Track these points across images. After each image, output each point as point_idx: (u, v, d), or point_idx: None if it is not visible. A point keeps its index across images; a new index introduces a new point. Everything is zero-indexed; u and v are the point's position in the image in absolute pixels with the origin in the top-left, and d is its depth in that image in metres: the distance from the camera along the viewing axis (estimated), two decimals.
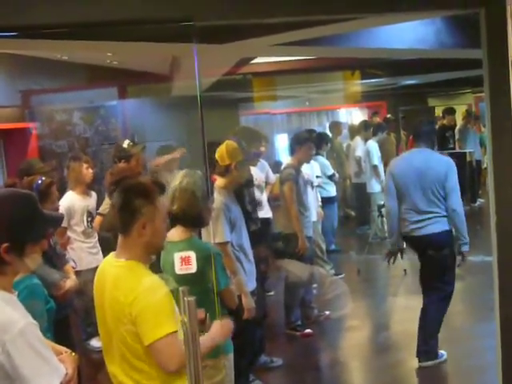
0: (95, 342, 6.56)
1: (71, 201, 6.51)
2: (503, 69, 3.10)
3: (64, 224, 6.43)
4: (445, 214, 5.49)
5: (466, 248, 5.47)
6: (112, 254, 2.95)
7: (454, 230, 5.53)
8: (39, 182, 4.47)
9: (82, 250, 6.54)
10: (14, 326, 2.23)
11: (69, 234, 6.50)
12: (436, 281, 5.60)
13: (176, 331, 2.69)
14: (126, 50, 6.65)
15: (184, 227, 3.71)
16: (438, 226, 5.49)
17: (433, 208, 5.49)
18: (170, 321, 2.71)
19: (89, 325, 6.36)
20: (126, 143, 6.58)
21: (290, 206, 6.59)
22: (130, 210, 2.82)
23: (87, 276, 6.11)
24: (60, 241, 6.42)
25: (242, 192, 5.26)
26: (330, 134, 12.38)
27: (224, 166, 4.87)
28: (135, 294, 2.72)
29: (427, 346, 5.62)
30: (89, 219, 6.54)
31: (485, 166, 13.67)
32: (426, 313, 5.63)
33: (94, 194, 6.76)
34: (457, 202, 5.45)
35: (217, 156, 4.89)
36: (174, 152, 7.35)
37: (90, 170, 6.63)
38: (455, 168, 5.58)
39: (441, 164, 5.54)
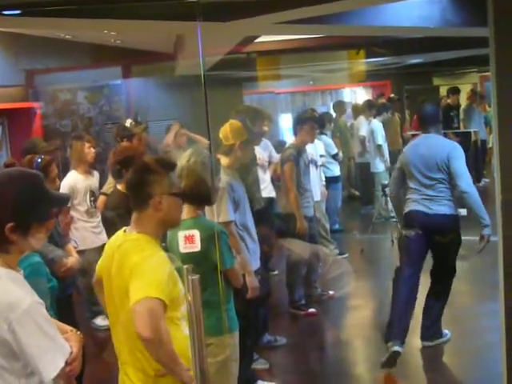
0: (100, 321, 6.60)
1: (74, 180, 6.53)
2: (510, 47, 3.07)
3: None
4: (450, 198, 5.43)
5: (487, 231, 5.25)
6: (122, 229, 2.98)
7: (470, 213, 5.38)
8: (38, 160, 4.47)
9: (85, 230, 6.55)
10: (20, 305, 2.24)
11: (72, 213, 6.51)
12: (439, 265, 5.58)
13: (160, 300, 2.67)
14: (130, 28, 6.62)
15: (191, 205, 3.71)
16: (443, 208, 5.43)
17: (438, 193, 5.42)
18: (159, 289, 2.69)
19: (93, 304, 6.39)
20: (128, 122, 6.57)
21: (289, 187, 6.58)
22: (144, 187, 2.87)
23: (91, 255, 6.16)
24: (63, 220, 6.45)
25: (245, 171, 5.25)
26: (334, 114, 12.38)
27: (228, 146, 4.86)
28: (136, 261, 2.76)
29: (431, 329, 5.63)
30: (91, 199, 6.55)
31: (490, 145, 13.62)
32: (430, 298, 5.63)
33: (96, 173, 6.77)
34: (466, 184, 5.33)
35: (221, 135, 4.88)
36: (175, 126, 7.35)
37: (92, 150, 6.63)
38: (460, 152, 5.49)
39: (443, 149, 5.46)
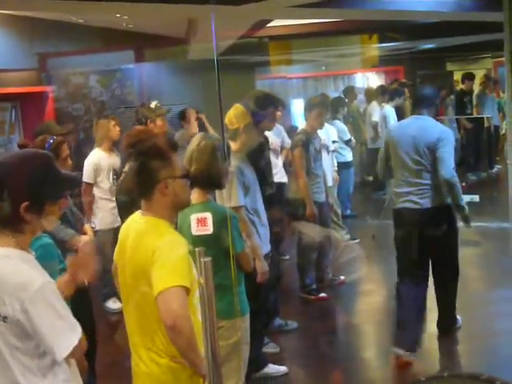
0: (111, 304, 6.64)
1: (98, 158, 6.65)
2: None
3: (90, 181, 6.54)
4: (436, 188, 5.19)
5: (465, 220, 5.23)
6: (138, 211, 2.98)
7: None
8: (50, 141, 4.50)
9: (105, 210, 6.62)
10: (32, 285, 2.26)
11: (95, 191, 6.60)
12: (439, 258, 5.40)
13: (186, 288, 2.69)
14: (142, 11, 6.61)
15: (201, 190, 3.71)
16: (431, 200, 5.20)
17: (424, 179, 5.20)
18: (183, 276, 2.70)
19: (105, 285, 6.44)
20: (153, 104, 6.61)
21: (298, 172, 6.58)
22: (148, 175, 2.84)
23: (107, 236, 6.20)
24: (87, 198, 6.56)
25: (256, 156, 5.24)
26: (346, 99, 12.32)
27: (233, 130, 4.86)
28: (156, 246, 2.74)
29: (444, 319, 5.61)
30: (114, 177, 6.61)
31: (503, 131, 13.54)
32: (439, 287, 5.56)
33: (118, 153, 6.83)
34: (448, 171, 5.10)
35: (226, 120, 4.88)
36: (192, 113, 7.37)
37: (118, 128, 6.73)
38: (451, 138, 5.27)
39: (434, 132, 5.21)
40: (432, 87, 5.92)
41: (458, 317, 5.69)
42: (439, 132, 5.24)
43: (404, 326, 5.29)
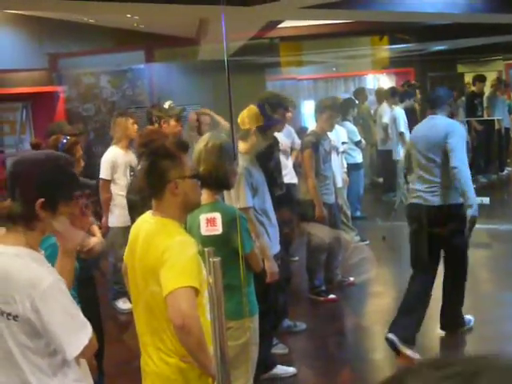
0: (121, 304, 6.65)
1: (114, 155, 6.69)
2: None
3: (108, 177, 6.59)
4: (448, 186, 5.34)
5: (472, 212, 5.11)
6: (149, 212, 2.99)
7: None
8: (64, 141, 4.50)
9: (121, 206, 6.64)
10: (42, 283, 2.27)
11: (112, 187, 6.65)
12: (449, 255, 5.52)
13: (195, 289, 2.70)
14: (153, 12, 6.63)
15: (209, 190, 3.71)
16: (443, 198, 5.30)
17: (435, 177, 5.33)
18: (192, 277, 2.71)
19: (116, 283, 6.46)
20: (167, 104, 6.62)
21: (308, 174, 6.59)
22: (158, 174, 2.85)
23: (119, 234, 6.23)
24: (104, 195, 6.60)
25: (266, 157, 5.25)
26: (357, 100, 12.30)
27: (245, 131, 4.86)
28: (165, 247, 2.75)
29: (451, 318, 5.60)
30: (131, 173, 6.64)
31: None
32: (446, 285, 5.59)
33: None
34: (458, 160, 5.17)
35: (238, 120, 4.89)
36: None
37: (135, 126, 6.76)
38: (459, 131, 5.42)
39: (443, 127, 5.36)
40: (446, 88, 6.06)
41: (471, 317, 5.68)
42: (446, 125, 5.39)
43: (403, 313, 5.38)
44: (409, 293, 5.48)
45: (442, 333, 5.62)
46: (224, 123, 6.89)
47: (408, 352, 5.18)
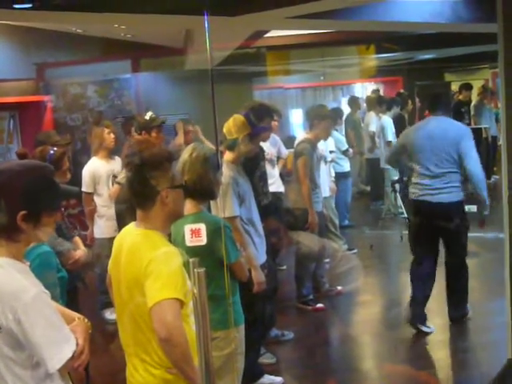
0: (109, 314, 6.62)
1: (95, 166, 6.67)
2: None
3: (89, 190, 6.56)
4: (458, 184, 5.47)
5: (485, 210, 5.46)
6: (132, 223, 2.99)
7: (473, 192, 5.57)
8: (51, 152, 4.49)
9: (106, 218, 6.62)
10: (26, 294, 2.25)
11: (95, 199, 6.64)
12: (450, 251, 5.68)
13: (180, 300, 2.70)
14: (139, 22, 6.62)
15: (193, 201, 3.71)
16: (451, 196, 5.46)
17: (446, 174, 5.49)
18: (177, 289, 2.71)
19: (103, 293, 6.43)
20: (148, 115, 6.61)
21: (302, 181, 6.57)
22: (149, 185, 2.85)
23: (105, 245, 6.20)
24: (88, 207, 6.57)
25: (252, 166, 5.25)
26: (350, 109, 12.33)
27: (231, 140, 4.86)
28: (150, 258, 2.75)
29: (457, 309, 5.81)
30: (114, 181, 6.62)
31: (501, 142, 13.55)
32: (449, 280, 5.79)
33: (118, 158, 6.83)
34: (473, 163, 5.41)
35: (224, 130, 4.88)
36: (180, 125, 7.35)
37: (112, 135, 6.74)
38: (470, 134, 5.58)
39: (456, 129, 5.55)
40: (446, 94, 6.26)
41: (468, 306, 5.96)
42: (460, 129, 5.61)
43: (415, 301, 5.79)
44: (413, 284, 5.85)
45: (426, 340, 5.68)
46: (207, 143, 6.89)
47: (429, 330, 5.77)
